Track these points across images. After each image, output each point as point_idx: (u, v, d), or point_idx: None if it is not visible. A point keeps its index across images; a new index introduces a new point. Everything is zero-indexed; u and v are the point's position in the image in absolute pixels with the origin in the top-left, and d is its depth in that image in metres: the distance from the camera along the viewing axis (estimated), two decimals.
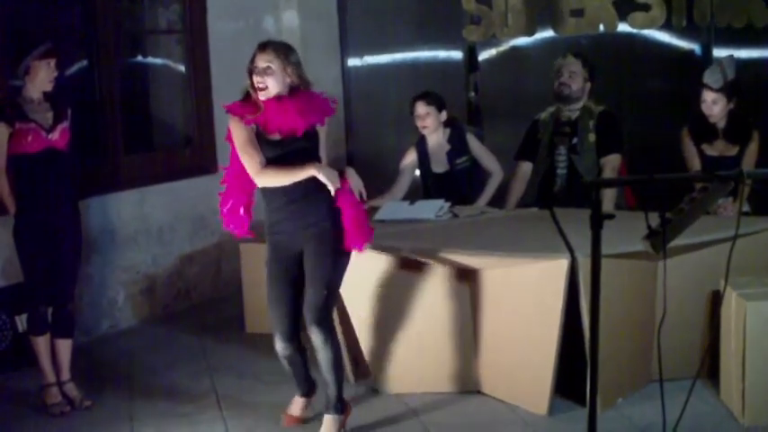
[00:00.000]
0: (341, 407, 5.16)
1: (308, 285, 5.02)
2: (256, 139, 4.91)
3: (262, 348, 6.41)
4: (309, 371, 5.39)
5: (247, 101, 5.00)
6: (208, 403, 5.86)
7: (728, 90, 6.28)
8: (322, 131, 5.11)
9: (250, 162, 4.88)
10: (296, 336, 5.17)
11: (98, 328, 7.34)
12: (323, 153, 5.15)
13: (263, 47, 4.96)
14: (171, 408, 5.81)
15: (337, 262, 5.03)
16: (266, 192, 5.02)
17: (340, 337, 5.84)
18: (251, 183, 5.02)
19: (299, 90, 4.98)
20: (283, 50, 4.96)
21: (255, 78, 4.91)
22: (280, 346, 5.18)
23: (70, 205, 5.87)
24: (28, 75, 5.67)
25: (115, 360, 6.83)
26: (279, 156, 4.92)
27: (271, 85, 4.90)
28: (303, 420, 5.41)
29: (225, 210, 5.13)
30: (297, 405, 5.43)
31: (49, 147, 5.68)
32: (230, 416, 5.61)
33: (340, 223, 4.99)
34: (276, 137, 4.94)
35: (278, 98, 4.93)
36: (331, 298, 5.08)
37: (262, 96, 4.92)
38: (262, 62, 4.91)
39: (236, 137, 4.93)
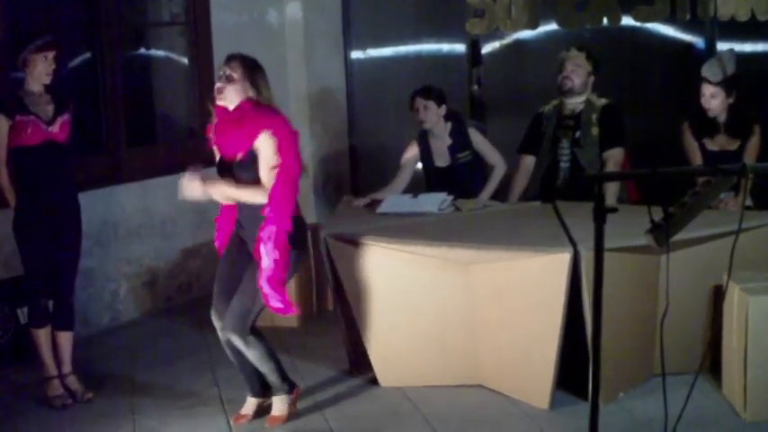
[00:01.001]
0: (287, 387, 5.31)
1: (238, 291, 5.16)
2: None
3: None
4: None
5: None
6: (209, 396, 5.86)
7: (728, 84, 6.27)
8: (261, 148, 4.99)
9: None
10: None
11: (100, 321, 7.34)
12: (262, 173, 5.02)
13: (229, 59, 5.06)
14: (172, 401, 5.81)
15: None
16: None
17: (342, 331, 5.87)
18: None
19: (250, 104, 5.01)
20: (249, 63, 5.05)
21: (216, 84, 5.04)
22: (215, 325, 5.36)
23: (70, 197, 5.87)
24: (26, 67, 5.66)
25: (117, 353, 6.83)
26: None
27: (227, 92, 5.00)
28: (246, 419, 5.43)
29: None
30: (248, 405, 5.46)
31: (49, 139, 5.68)
32: (232, 409, 5.58)
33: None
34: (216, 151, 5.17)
35: (228, 113, 5.04)
36: (254, 310, 5.16)
37: (219, 102, 5.03)
38: (226, 69, 5.01)
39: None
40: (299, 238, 5.09)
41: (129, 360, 6.63)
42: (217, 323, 5.32)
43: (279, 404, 5.34)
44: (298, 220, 5.08)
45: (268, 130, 4.94)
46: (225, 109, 5.03)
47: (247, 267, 5.14)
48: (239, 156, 5.01)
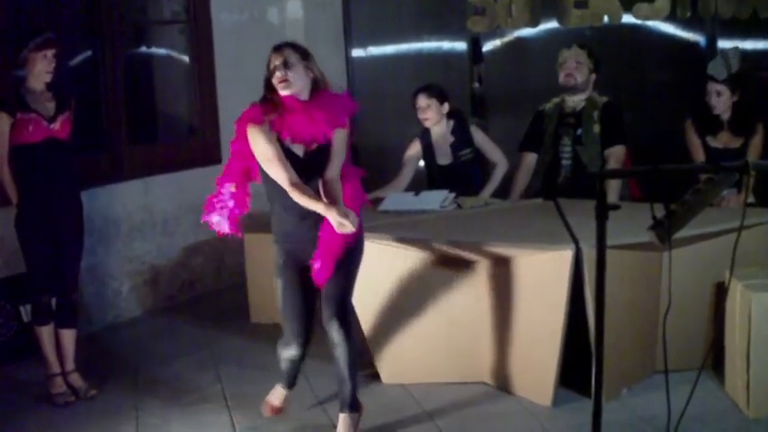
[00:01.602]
0: (357, 405, 5.08)
1: (329, 281, 4.90)
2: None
3: (266, 338, 6.41)
4: None
5: (266, 106, 4.78)
6: (212, 393, 5.87)
7: (733, 82, 6.30)
8: (343, 132, 4.85)
9: (281, 177, 4.71)
10: (308, 342, 5.11)
11: (102, 319, 7.35)
12: (342, 155, 4.86)
13: (279, 47, 4.79)
14: (175, 398, 5.82)
15: (354, 256, 4.95)
16: (280, 204, 4.88)
17: None
18: (246, 184, 5.01)
19: (319, 90, 4.81)
20: (300, 48, 4.84)
21: (277, 74, 4.71)
22: (291, 353, 5.11)
23: (72, 195, 5.88)
24: (27, 66, 5.67)
25: (120, 350, 6.85)
26: (298, 168, 4.76)
27: (293, 78, 4.70)
28: (282, 410, 5.37)
29: (216, 210, 5.03)
30: (278, 395, 5.36)
31: (50, 136, 5.69)
32: (234, 405, 5.62)
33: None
34: (298, 147, 4.79)
35: (301, 102, 4.75)
36: (350, 293, 4.99)
37: (284, 91, 4.71)
38: (279, 59, 4.73)
39: (263, 150, 4.72)
40: None
41: (131, 357, 6.64)
42: (296, 355, 5.12)
43: (346, 424, 5.04)
44: None
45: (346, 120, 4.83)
46: (294, 98, 4.75)
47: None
48: (315, 145, 4.80)
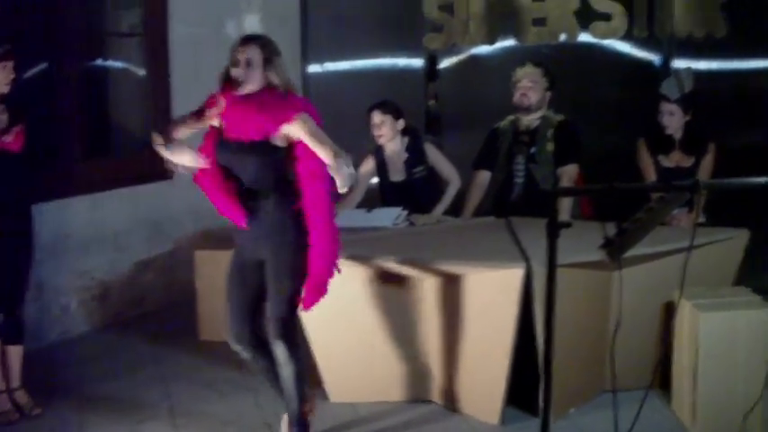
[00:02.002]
0: (304, 424, 5.06)
1: (269, 298, 4.89)
2: (214, 137, 4.82)
3: (215, 356, 6.38)
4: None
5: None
6: (160, 411, 5.80)
7: (685, 102, 6.33)
8: (298, 122, 4.73)
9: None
10: (249, 339, 5.01)
11: (49, 335, 7.25)
12: (318, 137, 4.70)
13: (247, 41, 4.80)
14: (122, 416, 5.74)
15: (298, 274, 4.88)
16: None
17: None
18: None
19: (272, 90, 4.79)
20: (268, 48, 4.81)
21: (235, 71, 4.73)
22: (234, 348, 5.07)
23: (22, 209, 5.80)
24: None
25: (66, 367, 6.75)
26: (228, 160, 4.81)
27: (250, 80, 4.73)
28: None
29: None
30: (285, 424, 5.18)
31: (3, 149, 5.60)
32: (182, 424, 5.55)
33: (302, 233, 4.84)
34: (231, 140, 4.80)
35: (245, 96, 4.76)
36: (294, 311, 4.96)
37: (239, 89, 4.73)
38: (243, 55, 4.74)
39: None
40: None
41: (78, 374, 6.55)
42: (240, 351, 5.06)
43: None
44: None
45: (304, 112, 4.76)
46: (236, 95, 4.76)
47: (263, 276, 4.90)
48: (253, 139, 4.73)
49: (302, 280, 4.89)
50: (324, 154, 4.58)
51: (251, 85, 4.74)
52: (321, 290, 4.91)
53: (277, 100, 4.76)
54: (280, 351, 4.88)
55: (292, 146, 4.80)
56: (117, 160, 8.14)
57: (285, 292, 4.86)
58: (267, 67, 4.77)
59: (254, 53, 4.75)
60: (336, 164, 4.46)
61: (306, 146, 4.73)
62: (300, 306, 4.93)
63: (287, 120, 4.72)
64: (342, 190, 4.50)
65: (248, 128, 4.75)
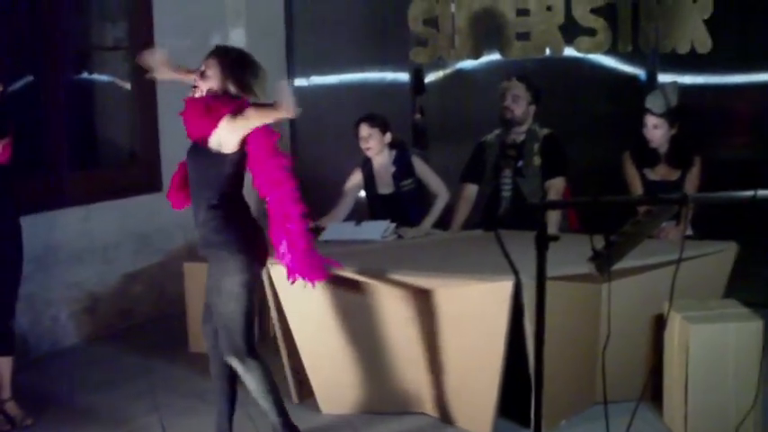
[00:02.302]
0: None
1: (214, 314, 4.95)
2: None
3: (205, 368, 6.32)
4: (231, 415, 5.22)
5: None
6: (149, 423, 5.81)
7: (671, 115, 6.36)
8: (233, 127, 4.76)
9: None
10: (217, 357, 5.07)
11: (40, 347, 7.26)
12: (254, 117, 4.82)
13: (211, 54, 4.89)
14: (112, 427, 5.75)
15: (231, 292, 4.82)
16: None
17: (284, 357, 5.84)
18: None
19: (216, 95, 4.84)
20: (229, 60, 4.88)
21: (193, 77, 4.91)
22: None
23: (11, 220, 5.80)
24: None
25: (57, 378, 6.75)
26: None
27: (202, 88, 4.84)
28: None
29: None
30: None
31: None
32: None
33: (240, 242, 4.85)
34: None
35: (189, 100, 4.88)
36: (240, 324, 4.85)
37: (196, 95, 4.85)
38: (202, 66, 4.86)
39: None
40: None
41: (69, 386, 6.56)
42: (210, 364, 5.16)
43: None
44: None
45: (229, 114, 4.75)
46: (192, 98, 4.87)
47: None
48: (201, 142, 4.80)
49: (238, 295, 4.85)
50: (269, 116, 4.81)
51: (200, 93, 4.86)
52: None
53: (215, 103, 4.81)
54: (234, 365, 4.94)
55: (242, 157, 4.88)
56: (105, 172, 8.15)
57: (219, 314, 4.89)
58: (226, 79, 4.85)
59: (212, 65, 4.85)
60: (278, 103, 4.74)
61: (258, 158, 4.87)
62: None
63: (213, 125, 4.76)
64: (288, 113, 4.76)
65: (189, 129, 4.87)
